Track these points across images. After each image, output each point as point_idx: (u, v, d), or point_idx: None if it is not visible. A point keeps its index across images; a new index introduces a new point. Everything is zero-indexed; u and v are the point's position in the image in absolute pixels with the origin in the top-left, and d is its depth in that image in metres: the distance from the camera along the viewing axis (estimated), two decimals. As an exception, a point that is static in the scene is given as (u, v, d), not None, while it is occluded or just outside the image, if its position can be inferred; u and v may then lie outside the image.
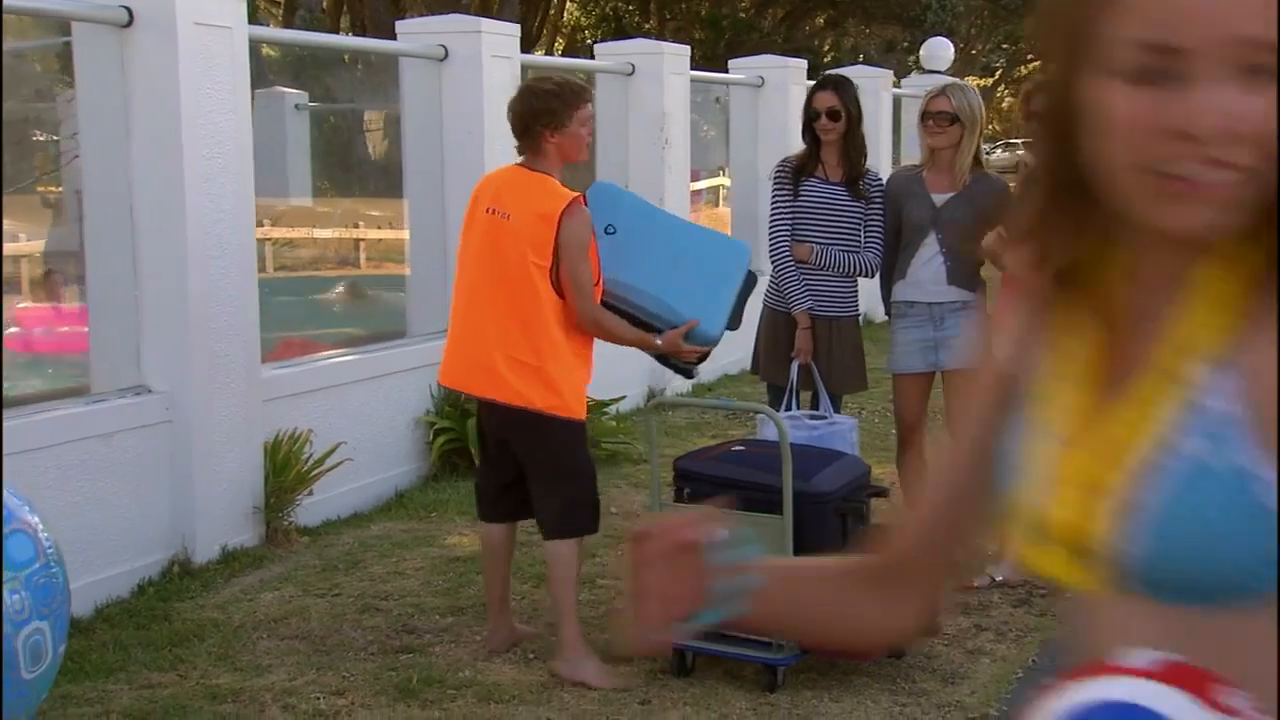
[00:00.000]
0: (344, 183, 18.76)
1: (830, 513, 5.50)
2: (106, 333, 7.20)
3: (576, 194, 5.70)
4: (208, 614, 6.47)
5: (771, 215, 7.13)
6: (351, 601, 6.67)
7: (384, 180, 16.87)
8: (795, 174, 7.09)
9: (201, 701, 5.49)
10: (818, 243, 6.99)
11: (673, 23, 38.35)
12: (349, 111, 17.36)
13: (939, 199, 6.86)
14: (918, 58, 34.12)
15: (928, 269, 6.88)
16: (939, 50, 17.00)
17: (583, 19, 40.41)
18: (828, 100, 7.01)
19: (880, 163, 15.68)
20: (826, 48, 37.73)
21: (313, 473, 7.66)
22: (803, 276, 6.98)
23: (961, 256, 6.79)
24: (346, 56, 13.76)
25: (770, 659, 5.46)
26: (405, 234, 9.82)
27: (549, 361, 5.64)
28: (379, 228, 17.16)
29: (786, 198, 7.08)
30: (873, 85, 15.83)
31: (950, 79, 8.52)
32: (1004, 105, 50.28)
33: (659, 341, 5.85)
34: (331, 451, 7.79)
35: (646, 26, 38.78)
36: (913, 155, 16.29)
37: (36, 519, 4.81)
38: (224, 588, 6.84)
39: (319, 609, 6.56)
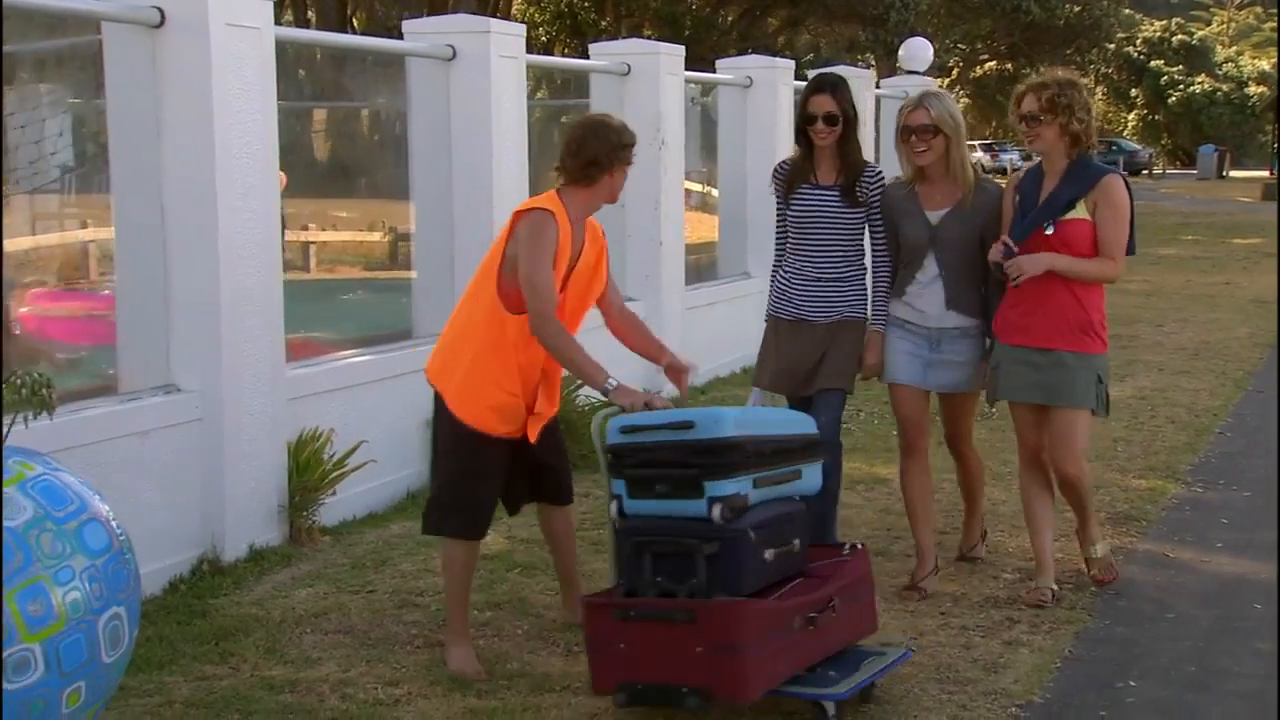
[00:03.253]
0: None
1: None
2: (136, 330, 7.25)
3: (544, 207, 5.78)
4: (246, 610, 6.55)
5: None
6: (387, 598, 6.75)
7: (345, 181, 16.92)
8: (787, 180, 6.89)
9: (260, 692, 5.57)
10: (812, 251, 6.81)
11: (629, 20, 38.43)
12: (304, 111, 17.37)
13: (935, 216, 6.66)
14: (876, 57, 34.51)
15: (927, 295, 6.68)
16: (918, 51, 17.07)
17: (536, 15, 40.44)
18: (825, 104, 6.72)
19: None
20: (781, 44, 37.89)
21: (336, 472, 7.73)
22: (795, 285, 6.83)
23: (963, 279, 6.65)
24: (319, 53, 13.81)
25: (821, 694, 5.21)
26: (376, 236, 9.86)
27: (461, 358, 5.87)
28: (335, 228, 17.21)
29: (780, 205, 6.95)
30: (855, 86, 15.98)
31: (924, 88, 8.26)
32: (960, 105, 50.53)
33: (610, 385, 5.63)
34: (353, 451, 7.87)
35: (603, 24, 38.92)
36: (892, 163, 16.38)
37: (107, 508, 4.91)
38: (256, 585, 6.91)
39: (356, 605, 6.65)
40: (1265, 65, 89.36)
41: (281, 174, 7.73)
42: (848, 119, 6.75)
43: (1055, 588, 6.59)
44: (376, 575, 7.09)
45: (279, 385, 7.47)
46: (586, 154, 5.81)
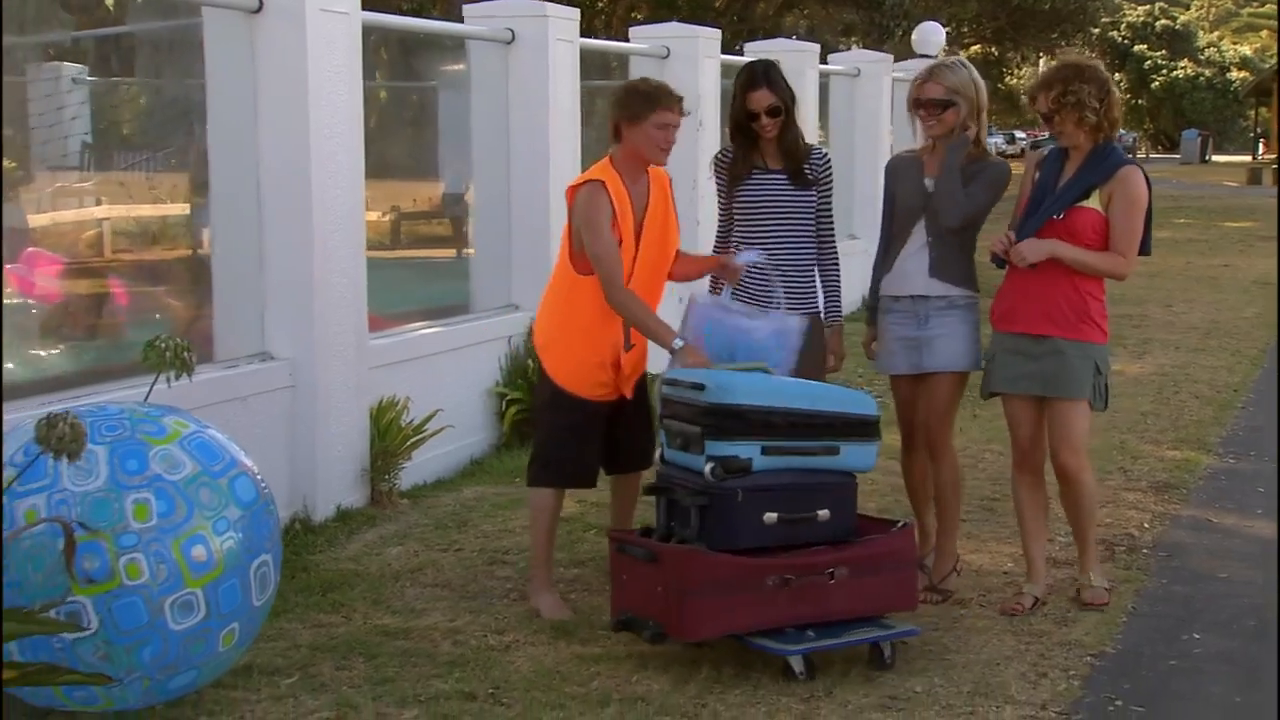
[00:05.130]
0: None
1: None
2: (232, 301, 7.59)
3: (592, 178, 6.16)
4: (344, 565, 6.89)
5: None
6: (476, 555, 7.11)
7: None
8: (731, 168, 6.66)
9: (376, 638, 5.93)
10: (766, 238, 6.55)
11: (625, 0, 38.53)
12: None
13: (931, 183, 6.47)
14: (872, 41, 34.77)
15: (914, 260, 6.49)
16: (931, 34, 17.44)
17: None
18: (765, 99, 6.49)
19: (880, 155, 16.19)
20: (779, 27, 38.10)
21: (416, 437, 8.09)
22: (748, 277, 6.50)
23: (952, 247, 6.46)
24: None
25: (897, 632, 5.73)
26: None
27: (551, 329, 6.35)
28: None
29: (722, 195, 6.75)
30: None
31: (938, 59, 8.10)
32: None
33: (677, 345, 6.00)
34: (430, 418, 8.23)
35: (599, 4, 39.13)
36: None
37: (251, 462, 5.28)
38: (347, 544, 7.26)
39: (448, 561, 7.00)
40: (1246, 50, 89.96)
41: None
42: (787, 107, 6.56)
43: (1039, 596, 6.40)
44: (460, 535, 7.44)
45: (363, 354, 7.81)
46: (610, 117, 6.24)
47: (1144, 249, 6.25)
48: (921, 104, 6.45)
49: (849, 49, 30.86)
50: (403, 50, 12.38)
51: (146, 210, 10.19)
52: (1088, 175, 6.19)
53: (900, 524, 5.99)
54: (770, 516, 5.60)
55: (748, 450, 5.59)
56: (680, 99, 6.22)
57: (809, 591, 5.58)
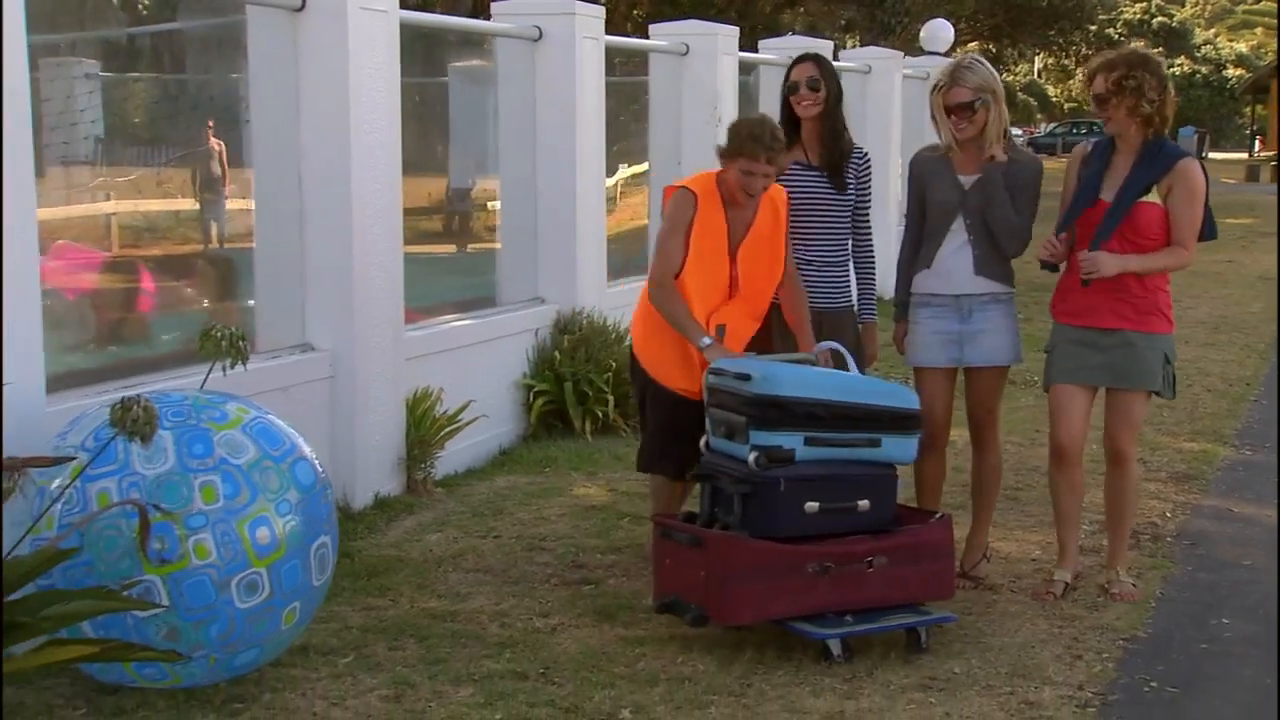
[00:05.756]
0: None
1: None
2: (274, 294, 7.74)
3: (685, 185, 6.40)
4: (386, 551, 7.05)
5: None
6: (514, 542, 7.26)
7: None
8: None
9: (425, 620, 6.09)
10: (800, 233, 6.64)
11: (625, -8, 38.56)
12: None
13: (967, 181, 6.47)
14: (873, 38, 34.96)
15: (956, 259, 6.48)
16: (940, 32, 17.61)
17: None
18: (807, 69, 6.70)
19: (891, 152, 16.34)
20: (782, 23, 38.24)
21: (450, 427, 8.25)
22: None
23: (992, 244, 6.45)
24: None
25: (934, 618, 5.91)
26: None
27: (645, 322, 6.55)
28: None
29: None
30: (885, 67, 16.54)
31: (955, 59, 7.91)
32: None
33: (704, 343, 6.17)
34: (464, 408, 8.39)
35: (602, 2, 39.22)
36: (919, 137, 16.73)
37: (309, 449, 5.44)
38: (387, 530, 7.41)
39: (488, 548, 7.16)
40: (1242, 47, 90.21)
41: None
42: (830, 92, 6.68)
43: (1070, 581, 6.51)
44: (497, 522, 7.60)
45: (399, 346, 7.97)
46: (721, 141, 6.35)
47: (1211, 234, 6.34)
48: (952, 110, 6.39)
49: (852, 46, 31.13)
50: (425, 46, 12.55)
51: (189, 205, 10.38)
52: (1145, 172, 6.19)
53: (939, 515, 6.14)
54: (811, 505, 5.74)
55: (791, 440, 5.74)
56: (771, 151, 6.12)
57: (848, 579, 5.74)
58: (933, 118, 6.54)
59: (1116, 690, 5.45)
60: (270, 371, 7.24)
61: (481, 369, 8.99)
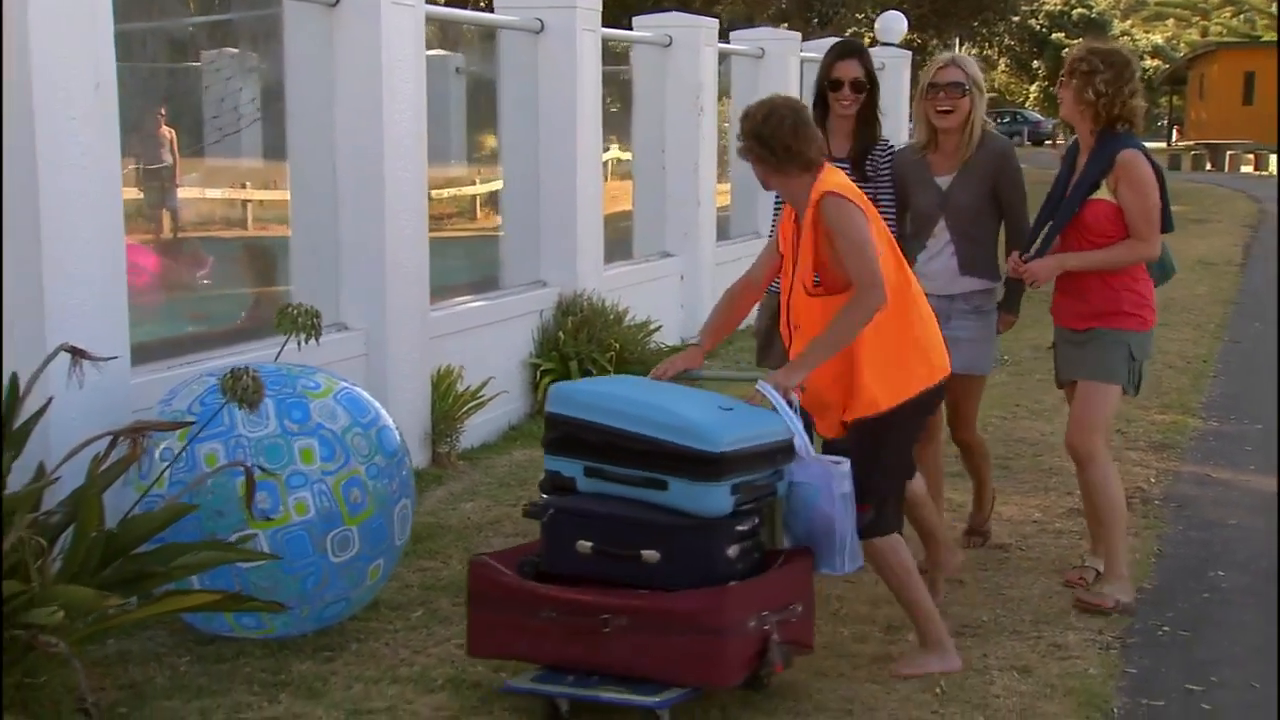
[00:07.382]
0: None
1: None
2: (310, 275, 8.11)
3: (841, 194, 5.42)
4: (424, 519, 7.41)
5: None
6: (545, 509, 7.67)
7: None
8: None
9: (483, 582, 6.50)
10: None
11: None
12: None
13: (944, 181, 6.49)
14: (807, 28, 35.45)
15: (938, 261, 6.51)
16: (893, 23, 18.09)
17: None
18: (853, 70, 6.52)
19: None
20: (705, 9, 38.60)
21: (472, 402, 8.66)
22: None
23: (975, 242, 6.49)
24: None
25: (646, 702, 4.84)
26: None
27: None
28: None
29: None
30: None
31: (951, 52, 7.89)
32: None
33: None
34: (485, 385, 8.80)
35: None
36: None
37: (390, 416, 5.86)
38: (421, 500, 7.76)
39: (520, 515, 7.52)
40: (1158, 39, 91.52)
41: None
42: (872, 91, 6.58)
43: (1100, 570, 6.44)
44: (524, 492, 7.99)
45: (425, 325, 8.36)
46: None
47: (1165, 226, 6.18)
48: (941, 86, 6.38)
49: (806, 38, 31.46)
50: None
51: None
52: (1092, 168, 6.11)
53: (729, 585, 4.88)
54: (584, 545, 5.00)
55: (571, 468, 5.14)
56: None
57: (583, 635, 4.89)
58: (917, 102, 6.57)
59: (1134, 634, 5.95)
60: (309, 350, 7.59)
61: (493, 348, 9.39)
